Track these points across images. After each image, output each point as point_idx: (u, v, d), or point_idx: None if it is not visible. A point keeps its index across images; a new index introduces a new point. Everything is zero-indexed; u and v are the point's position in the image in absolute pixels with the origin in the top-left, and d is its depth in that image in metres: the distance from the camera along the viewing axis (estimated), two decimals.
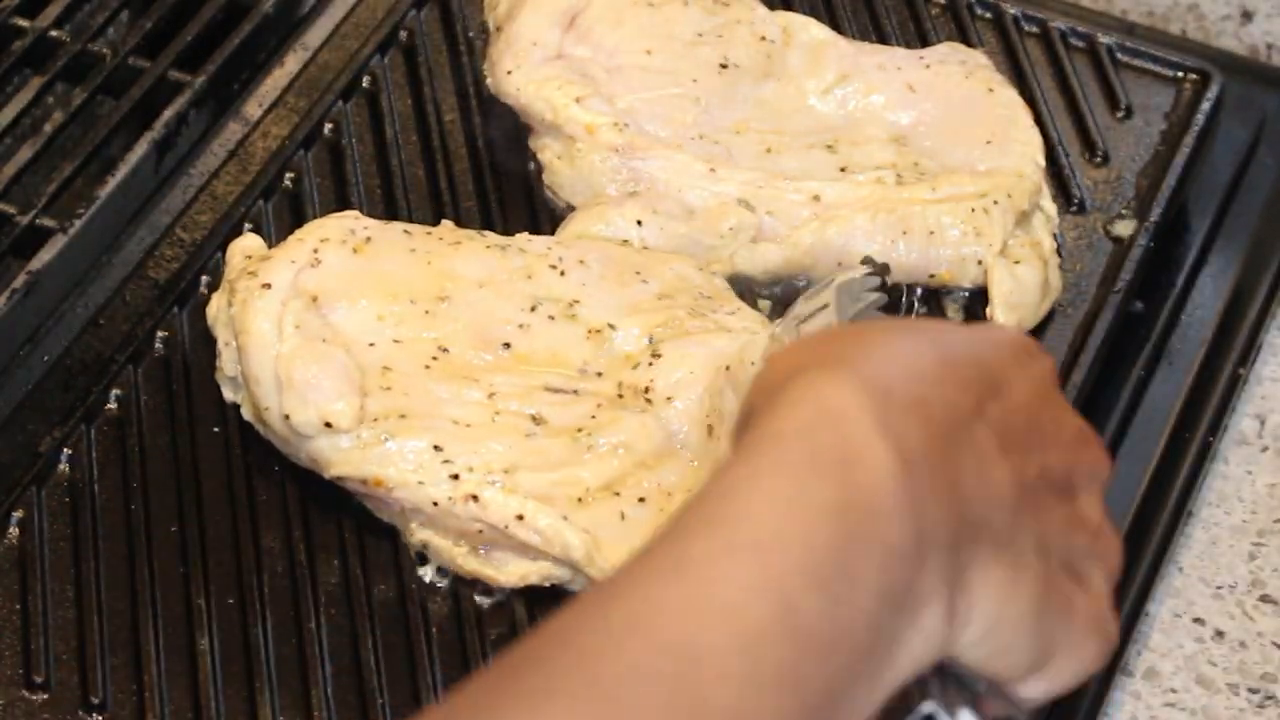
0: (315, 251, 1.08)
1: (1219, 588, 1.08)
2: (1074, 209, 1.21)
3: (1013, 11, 1.31)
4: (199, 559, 1.03)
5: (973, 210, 1.14)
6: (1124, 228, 1.20)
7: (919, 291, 1.15)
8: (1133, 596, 1.05)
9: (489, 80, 1.23)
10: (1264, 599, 1.07)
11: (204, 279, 1.15)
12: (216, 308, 1.09)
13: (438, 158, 1.22)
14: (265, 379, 1.04)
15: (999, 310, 1.13)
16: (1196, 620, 1.06)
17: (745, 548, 0.62)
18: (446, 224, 1.13)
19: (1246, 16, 1.38)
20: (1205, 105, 1.25)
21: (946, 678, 0.70)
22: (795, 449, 0.64)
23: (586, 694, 0.59)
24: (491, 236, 1.12)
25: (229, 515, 1.05)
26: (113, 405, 1.09)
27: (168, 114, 1.23)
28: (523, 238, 1.12)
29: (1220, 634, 1.06)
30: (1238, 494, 1.12)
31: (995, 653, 0.68)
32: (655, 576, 0.62)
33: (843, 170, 1.16)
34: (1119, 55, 1.29)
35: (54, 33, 1.27)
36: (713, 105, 1.19)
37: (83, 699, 0.98)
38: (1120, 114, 1.26)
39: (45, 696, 0.98)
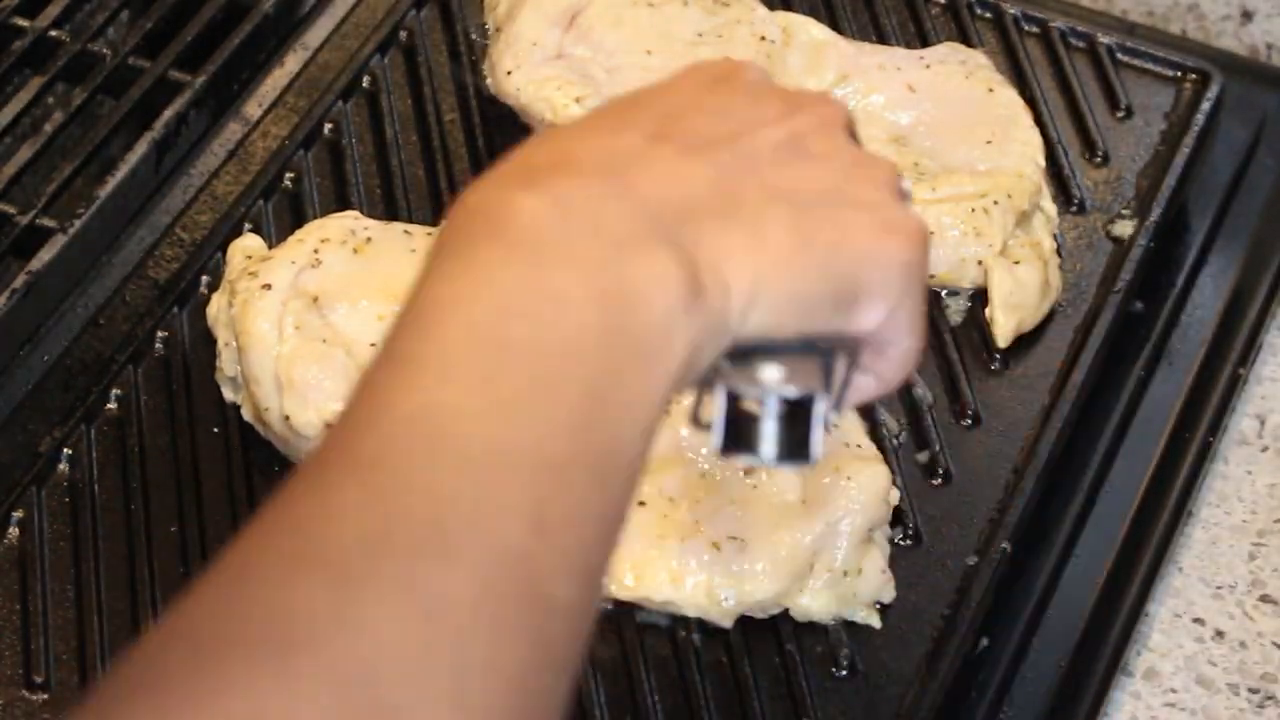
0: (316, 252, 1.08)
1: (1219, 588, 1.08)
2: (1074, 209, 1.21)
3: (1013, 11, 1.31)
4: (199, 559, 1.03)
5: (973, 210, 1.14)
6: (1124, 228, 1.20)
7: None
8: (1133, 596, 1.05)
9: (489, 80, 1.23)
10: (1264, 599, 1.07)
11: (204, 279, 1.15)
12: (216, 308, 1.09)
13: (438, 158, 1.22)
14: (265, 379, 1.04)
15: (999, 311, 1.13)
16: (1196, 620, 1.06)
17: (435, 322, 0.65)
18: None
19: (1246, 16, 1.38)
20: (1205, 105, 1.25)
21: (765, 361, 0.71)
22: (452, 245, 0.67)
23: (354, 470, 0.62)
24: None
25: (229, 515, 1.05)
26: (113, 405, 1.09)
27: (168, 114, 1.23)
28: None
29: (1220, 634, 1.06)
30: (1238, 494, 1.12)
31: (788, 304, 0.70)
32: (376, 376, 0.65)
33: None
34: (1119, 55, 1.29)
35: (54, 33, 1.27)
36: None
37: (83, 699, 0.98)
38: (1120, 114, 1.26)
39: (45, 696, 0.98)
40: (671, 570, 0.99)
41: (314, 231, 1.10)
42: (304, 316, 1.05)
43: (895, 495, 1.05)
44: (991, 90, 1.21)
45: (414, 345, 0.65)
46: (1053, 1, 1.33)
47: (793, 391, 0.71)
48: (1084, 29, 1.30)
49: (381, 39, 1.28)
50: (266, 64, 1.28)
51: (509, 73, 1.20)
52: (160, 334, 1.12)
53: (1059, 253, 1.18)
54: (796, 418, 0.71)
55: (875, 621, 1.01)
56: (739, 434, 0.71)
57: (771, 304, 0.69)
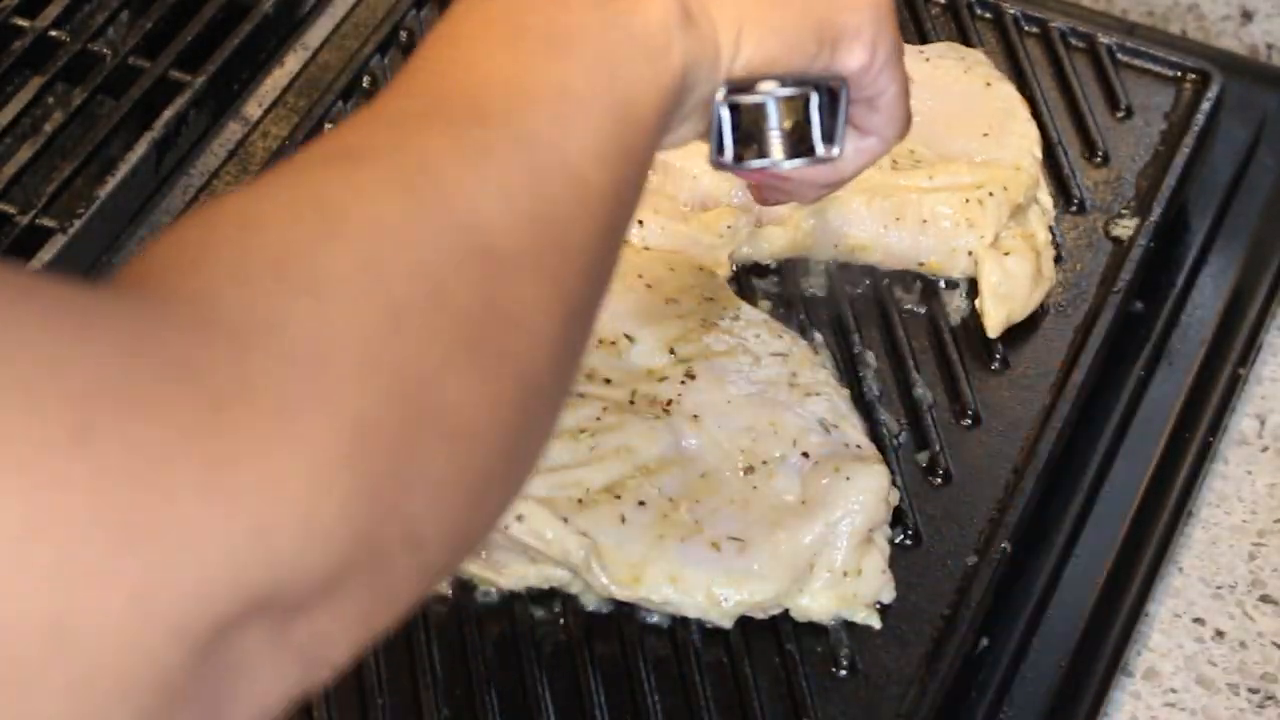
0: None
1: (1219, 588, 1.08)
2: (1074, 209, 1.21)
3: (1013, 11, 1.31)
4: None
5: (967, 201, 1.15)
6: (1124, 228, 1.20)
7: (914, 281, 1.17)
8: (1133, 596, 1.05)
9: None
10: (1264, 599, 1.07)
11: None
12: None
13: None
14: None
15: (988, 301, 1.14)
16: (1196, 620, 1.06)
17: (455, 20, 0.72)
18: None
19: (1246, 16, 1.38)
20: (1205, 105, 1.24)
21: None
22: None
23: (396, 83, 0.69)
24: None
25: None
26: None
27: (168, 114, 1.23)
28: None
29: (1220, 634, 1.06)
30: (1238, 494, 1.12)
31: (773, 38, 0.78)
32: (407, 64, 0.71)
33: None
34: (1119, 55, 1.29)
35: (54, 33, 1.27)
36: None
37: None
38: (1120, 114, 1.26)
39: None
40: (671, 570, 0.99)
41: None
42: None
43: (895, 496, 1.05)
44: (989, 85, 1.22)
45: (433, 38, 0.71)
46: (1053, 1, 1.33)
47: (789, 91, 0.80)
48: (1084, 29, 1.30)
49: (381, 39, 1.28)
50: (266, 64, 1.28)
51: None
52: None
53: (1055, 245, 1.18)
54: (797, 120, 0.81)
55: (875, 622, 1.01)
56: (749, 144, 0.81)
57: (758, 39, 0.77)
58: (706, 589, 0.99)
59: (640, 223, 1.14)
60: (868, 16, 0.81)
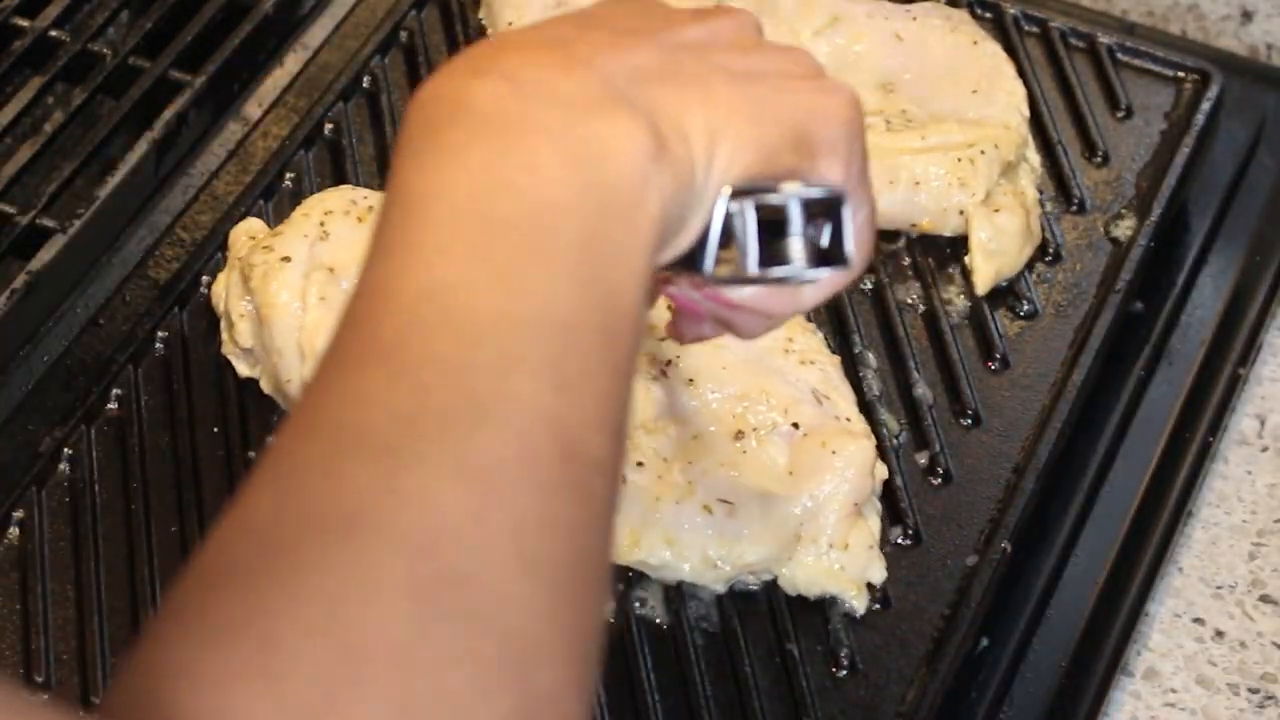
0: (322, 225, 1.09)
1: (1219, 588, 1.08)
2: (1074, 209, 1.21)
3: (1013, 11, 1.31)
4: None
5: (959, 160, 1.17)
6: (1124, 228, 1.20)
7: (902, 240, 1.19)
8: (1133, 596, 1.06)
9: (490, 34, 1.25)
10: (1264, 599, 1.07)
11: (204, 279, 1.15)
12: (224, 285, 1.10)
13: None
14: (288, 351, 1.05)
15: (978, 258, 1.15)
16: (1196, 620, 1.06)
17: (418, 211, 0.67)
18: None
19: (1246, 16, 1.38)
20: (1205, 105, 1.25)
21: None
22: (418, 137, 0.69)
23: (373, 355, 0.64)
24: None
25: None
26: (113, 405, 1.09)
27: (168, 114, 1.23)
28: None
29: (1220, 634, 1.06)
30: (1238, 494, 1.12)
31: (750, 147, 0.72)
32: (373, 269, 0.67)
33: None
34: (1119, 55, 1.29)
35: (54, 33, 1.27)
36: None
37: (83, 699, 0.98)
38: (1120, 114, 1.26)
39: (45, 697, 0.98)
40: (668, 534, 1.00)
41: (316, 205, 1.11)
42: (327, 288, 1.06)
43: (882, 470, 1.04)
44: (976, 43, 1.24)
45: (403, 235, 0.66)
46: (1053, 1, 1.33)
47: (818, 192, 0.73)
48: (1084, 29, 1.30)
49: (381, 39, 1.28)
50: (266, 64, 1.28)
51: (510, 25, 1.22)
52: (160, 334, 1.12)
53: (1041, 203, 1.19)
54: (822, 224, 0.74)
55: (863, 603, 1.01)
56: (771, 253, 0.73)
57: (733, 149, 0.72)
58: (702, 552, 1.00)
59: None
60: (842, 132, 0.76)
